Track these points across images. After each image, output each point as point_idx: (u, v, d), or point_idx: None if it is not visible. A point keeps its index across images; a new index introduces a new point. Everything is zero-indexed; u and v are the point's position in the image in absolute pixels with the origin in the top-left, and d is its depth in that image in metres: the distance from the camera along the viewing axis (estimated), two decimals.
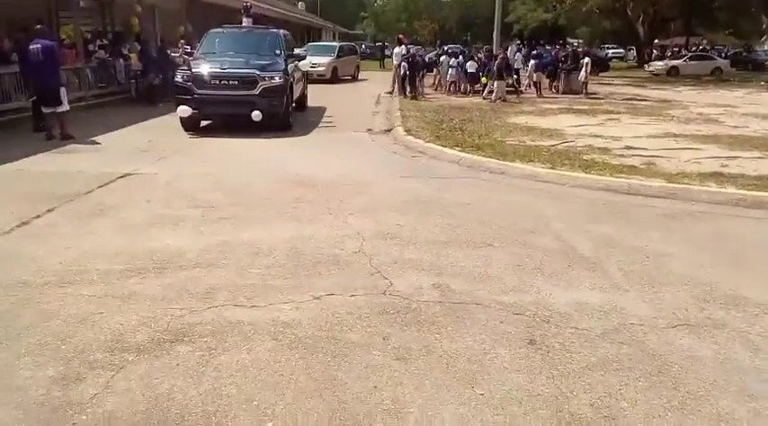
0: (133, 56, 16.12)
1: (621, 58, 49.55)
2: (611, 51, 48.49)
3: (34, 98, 9.76)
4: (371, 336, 3.22)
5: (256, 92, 9.84)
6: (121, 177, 6.80)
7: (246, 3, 15.23)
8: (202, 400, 2.62)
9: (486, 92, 16.68)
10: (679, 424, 2.52)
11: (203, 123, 10.40)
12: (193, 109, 9.74)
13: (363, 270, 4.11)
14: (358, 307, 3.54)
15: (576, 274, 4.14)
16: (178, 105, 9.83)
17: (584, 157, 8.11)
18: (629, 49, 50.30)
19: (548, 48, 28.04)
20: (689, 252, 4.69)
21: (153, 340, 3.12)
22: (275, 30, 12.45)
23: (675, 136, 10.32)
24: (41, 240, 4.63)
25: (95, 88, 14.42)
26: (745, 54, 40.07)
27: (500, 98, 15.95)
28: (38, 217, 5.22)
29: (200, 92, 9.77)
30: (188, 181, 6.66)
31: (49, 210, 5.41)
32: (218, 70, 9.95)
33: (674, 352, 3.12)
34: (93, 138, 9.34)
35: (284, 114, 10.35)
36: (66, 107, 9.38)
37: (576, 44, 39.58)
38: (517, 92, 17.72)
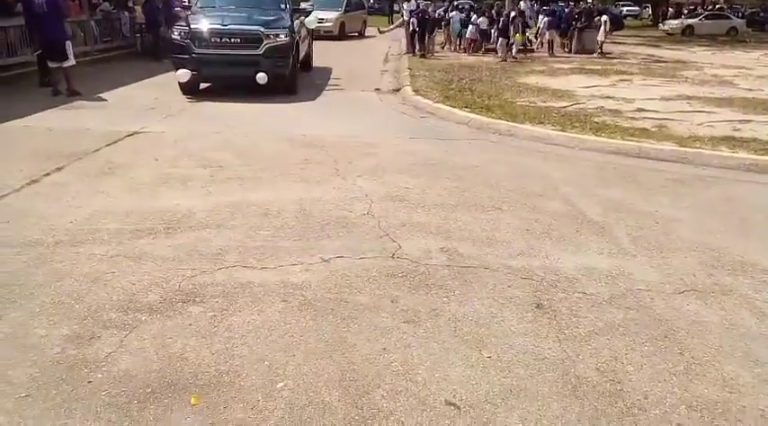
0: (138, 8, 15.85)
1: (636, 16, 48.36)
2: (625, 9, 47.26)
3: (39, 52, 9.65)
4: (380, 299, 3.25)
5: (260, 51, 9.11)
6: (129, 135, 6.78)
7: None
8: (215, 360, 2.67)
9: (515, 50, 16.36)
10: (684, 389, 2.56)
11: (202, 85, 9.86)
12: (192, 70, 9.05)
13: (372, 233, 4.12)
14: (366, 270, 3.57)
15: (585, 239, 4.14)
16: (176, 67, 9.17)
17: (595, 119, 8.01)
18: (645, 7, 49.02)
19: (561, 4, 27.32)
20: (698, 217, 4.67)
21: (165, 300, 3.17)
22: None
23: (689, 98, 10.16)
24: (52, 199, 4.66)
25: (100, 42, 14.26)
26: (761, 14, 38.98)
27: (511, 57, 15.68)
28: (47, 175, 5.23)
29: (198, 51, 9.05)
30: (195, 140, 6.63)
31: (58, 169, 5.41)
32: (219, 27, 9.13)
33: (680, 318, 3.14)
34: (100, 95, 9.29)
35: (290, 76, 9.69)
36: (72, 61, 9.29)
37: (590, 1, 38.51)
38: (525, 50, 17.38)
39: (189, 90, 9.50)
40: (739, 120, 8.22)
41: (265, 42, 9.16)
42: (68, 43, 9.26)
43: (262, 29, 9.23)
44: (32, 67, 10.25)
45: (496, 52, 16.50)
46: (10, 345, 2.75)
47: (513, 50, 16.18)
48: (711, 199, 5.17)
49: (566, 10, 20.97)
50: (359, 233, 4.12)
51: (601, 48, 17.70)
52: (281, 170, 5.56)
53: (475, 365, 2.69)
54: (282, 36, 9.35)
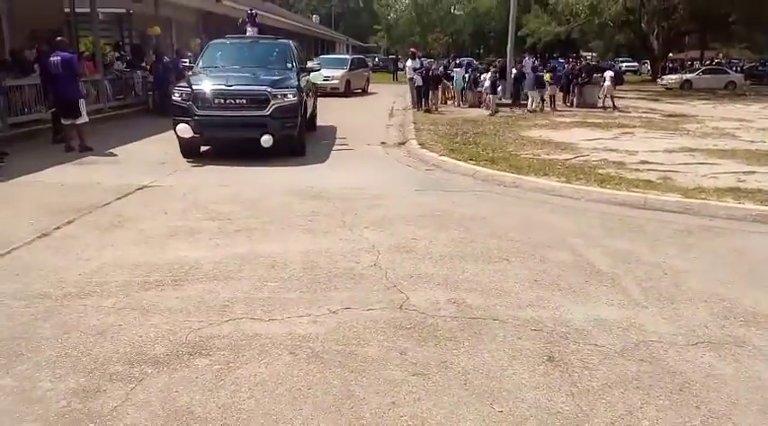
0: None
1: (635, 72, 49.48)
2: (624, 64, 48.41)
3: (53, 109, 9.93)
4: (389, 351, 3.21)
5: (268, 112, 8.61)
6: (139, 189, 6.88)
7: (251, 10, 13.33)
8: (221, 414, 2.63)
9: (534, 104, 17.02)
10: None
11: (204, 148, 9.32)
12: (194, 132, 8.50)
13: (379, 284, 4.11)
14: (374, 322, 3.54)
15: (594, 290, 4.12)
16: (175, 126, 8.58)
17: (600, 171, 8.08)
18: (643, 63, 50.18)
19: (560, 61, 28.02)
20: (707, 268, 4.65)
21: (171, 352, 3.14)
22: (285, 40, 11.26)
23: (691, 150, 10.26)
24: (61, 252, 4.69)
25: (113, 100, 14.62)
26: (760, 68, 39.77)
27: (496, 111, 16.11)
28: (58, 228, 5.29)
29: (201, 113, 8.51)
30: (204, 194, 6.71)
31: (68, 222, 5.47)
32: (223, 87, 8.67)
33: (694, 370, 3.08)
34: (111, 150, 9.46)
35: (299, 136, 9.25)
36: (85, 118, 9.53)
37: (589, 57, 39.51)
38: (516, 104, 17.90)
39: (189, 152, 8.98)
40: (743, 172, 8.26)
41: (273, 102, 8.68)
42: (82, 101, 9.56)
43: (269, 88, 8.79)
44: (47, 124, 10.51)
45: (488, 105, 16.89)
46: (15, 399, 2.72)
47: (531, 105, 16.93)
48: (719, 250, 5.15)
49: (565, 66, 21.51)
50: (366, 284, 4.11)
51: (613, 102, 18.08)
52: (289, 222, 5.60)
53: (486, 419, 2.64)
54: (290, 96, 8.95)
